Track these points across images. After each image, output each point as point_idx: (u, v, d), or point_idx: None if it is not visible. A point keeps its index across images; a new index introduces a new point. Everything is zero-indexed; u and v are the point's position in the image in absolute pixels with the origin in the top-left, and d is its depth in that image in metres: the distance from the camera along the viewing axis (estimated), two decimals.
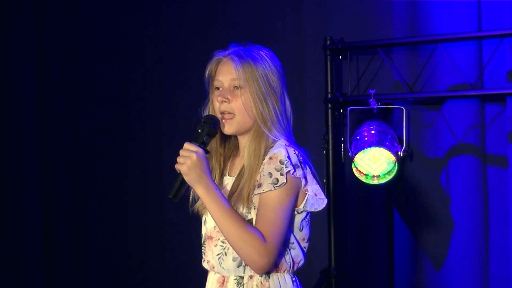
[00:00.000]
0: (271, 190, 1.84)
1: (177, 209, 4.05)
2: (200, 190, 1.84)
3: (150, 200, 4.22)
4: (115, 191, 4.31)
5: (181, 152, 1.85)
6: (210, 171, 1.89)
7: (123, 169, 4.28)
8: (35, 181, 4.37)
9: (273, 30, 3.79)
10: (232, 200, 1.92)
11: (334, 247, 3.46)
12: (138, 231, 4.26)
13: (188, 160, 1.82)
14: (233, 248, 1.86)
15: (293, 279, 1.97)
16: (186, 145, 1.86)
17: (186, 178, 1.84)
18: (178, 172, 1.85)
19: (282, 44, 3.74)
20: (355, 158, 3.20)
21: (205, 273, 2.09)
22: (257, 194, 1.87)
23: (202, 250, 2.04)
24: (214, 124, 1.92)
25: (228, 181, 2.01)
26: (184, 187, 1.87)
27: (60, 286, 4.45)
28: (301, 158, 1.90)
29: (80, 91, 4.36)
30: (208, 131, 1.90)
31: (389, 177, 3.21)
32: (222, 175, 2.04)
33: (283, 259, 1.92)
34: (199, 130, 1.90)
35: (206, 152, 1.88)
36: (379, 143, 3.18)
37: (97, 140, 4.33)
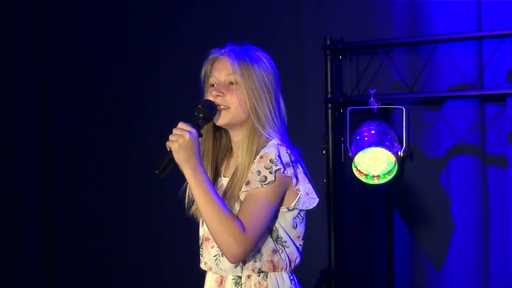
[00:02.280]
0: (258, 187, 1.84)
1: (177, 209, 4.04)
2: (187, 170, 1.83)
3: (150, 200, 4.22)
4: (115, 191, 4.31)
5: (174, 130, 1.84)
6: (201, 154, 1.88)
7: (123, 169, 4.28)
8: (35, 181, 4.37)
9: (273, 30, 3.79)
10: (226, 198, 1.92)
11: (334, 247, 3.46)
12: (138, 231, 4.26)
13: (181, 138, 1.81)
14: (211, 234, 1.84)
15: (291, 277, 1.97)
16: (180, 125, 1.85)
17: (175, 156, 1.83)
18: (169, 149, 1.84)
19: (282, 44, 3.74)
20: (355, 158, 3.20)
21: (204, 273, 2.09)
22: (244, 191, 1.87)
23: (200, 252, 2.05)
24: (211, 108, 1.91)
25: (223, 182, 2.01)
26: (171, 165, 1.85)
27: (60, 286, 4.45)
28: (293, 157, 1.90)
29: (80, 91, 4.36)
30: (204, 115, 1.90)
31: (389, 177, 3.21)
32: (216, 176, 2.04)
33: (279, 258, 1.92)
34: (195, 113, 1.90)
35: (200, 135, 1.88)
36: (379, 143, 3.18)
37: (97, 140, 4.33)
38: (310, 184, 1.94)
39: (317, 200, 1.94)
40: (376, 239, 3.58)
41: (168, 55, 4.10)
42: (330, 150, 3.45)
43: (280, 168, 1.85)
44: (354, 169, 3.22)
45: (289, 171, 1.87)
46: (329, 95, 3.47)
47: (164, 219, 4.15)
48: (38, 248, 4.38)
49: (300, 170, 1.92)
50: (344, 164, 3.49)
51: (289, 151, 1.90)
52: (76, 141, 4.39)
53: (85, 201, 4.39)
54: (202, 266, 2.03)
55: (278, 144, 1.91)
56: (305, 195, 1.92)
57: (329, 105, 3.46)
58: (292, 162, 1.89)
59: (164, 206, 4.13)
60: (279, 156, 1.86)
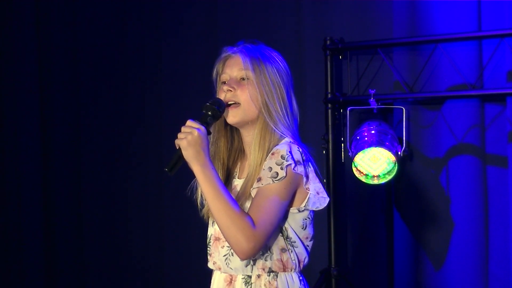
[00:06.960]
0: (269, 183, 1.84)
1: (178, 209, 4.05)
2: (196, 167, 1.83)
3: (150, 200, 4.22)
4: (115, 191, 4.31)
5: (182, 128, 1.85)
6: (212, 155, 1.89)
7: (123, 169, 4.28)
8: (35, 181, 4.37)
9: (273, 30, 3.79)
10: (239, 198, 1.91)
11: (334, 247, 3.46)
12: (138, 231, 4.26)
13: (189, 135, 1.82)
14: (221, 229, 1.84)
15: (301, 278, 1.97)
16: (189, 122, 1.86)
17: (184, 153, 1.83)
18: (178, 147, 1.84)
19: (282, 44, 3.73)
20: (355, 158, 3.20)
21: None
22: (256, 188, 1.87)
23: (207, 251, 2.03)
24: (219, 106, 1.92)
25: (238, 183, 2.00)
26: (181, 162, 1.86)
27: (60, 286, 4.44)
28: (304, 156, 1.90)
29: (80, 92, 4.36)
30: (213, 113, 1.90)
31: (389, 177, 3.21)
32: (229, 178, 2.03)
33: (288, 257, 1.92)
34: (204, 111, 1.91)
35: (209, 132, 1.88)
36: (379, 143, 3.18)
37: (97, 140, 4.33)
38: (320, 183, 1.94)
39: (327, 199, 1.94)
40: (376, 239, 3.58)
41: (168, 55, 4.10)
42: (330, 150, 3.45)
43: (290, 164, 1.85)
44: (354, 169, 3.22)
45: (300, 169, 1.87)
46: (329, 95, 3.47)
47: (164, 218, 4.15)
48: (38, 248, 4.38)
49: (311, 169, 1.92)
50: (344, 164, 3.49)
51: (300, 150, 1.90)
52: (76, 141, 4.39)
53: (85, 201, 4.39)
54: (210, 265, 2.02)
55: (290, 142, 1.91)
56: (315, 195, 1.91)
57: (329, 105, 3.46)
58: (303, 160, 1.89)
59: (164, 206, 4.13)
60: (290, 152, 1.86)
